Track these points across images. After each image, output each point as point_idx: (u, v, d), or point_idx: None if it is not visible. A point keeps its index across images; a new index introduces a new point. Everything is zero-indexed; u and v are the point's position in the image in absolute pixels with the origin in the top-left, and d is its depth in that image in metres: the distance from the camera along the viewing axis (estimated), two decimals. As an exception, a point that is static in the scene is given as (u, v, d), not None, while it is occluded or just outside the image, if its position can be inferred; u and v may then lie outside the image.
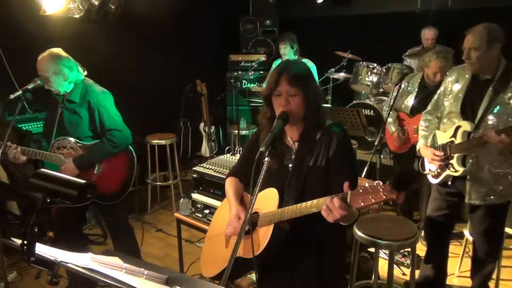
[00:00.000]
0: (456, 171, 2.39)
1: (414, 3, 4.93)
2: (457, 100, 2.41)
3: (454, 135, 2.38)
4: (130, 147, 2.82)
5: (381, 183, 1.34)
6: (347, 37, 5.45)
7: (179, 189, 4.71)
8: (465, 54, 2.29)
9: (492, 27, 2.25)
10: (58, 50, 2.62)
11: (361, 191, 1.35)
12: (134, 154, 2.84)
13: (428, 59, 3.24)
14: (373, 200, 1.32)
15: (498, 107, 2.24)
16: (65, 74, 2.57)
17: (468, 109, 2.36)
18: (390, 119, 3.53)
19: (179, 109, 5.41)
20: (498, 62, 2.29)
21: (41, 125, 3.67)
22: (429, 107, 2.70)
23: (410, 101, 3.42)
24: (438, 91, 2.62)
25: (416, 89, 3.40)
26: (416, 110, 3.33)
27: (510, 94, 2.22)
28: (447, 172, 2.44)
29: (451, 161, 2.40)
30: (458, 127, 2.36)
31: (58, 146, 2.65)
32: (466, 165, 2.36)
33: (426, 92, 3.25)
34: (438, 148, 2.49)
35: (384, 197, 1.31)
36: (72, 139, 2.65)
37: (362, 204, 1.34)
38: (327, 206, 1.41)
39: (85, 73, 2.72)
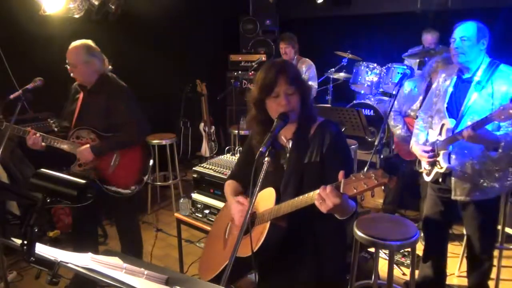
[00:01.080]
0: (441, 167, 2.43)
1: (414, 3, 4.93)
2: (443, 99, 2.46)
3: (440, 133, 2.43)
4: (146, 140, 2.88)
5: (371, 170, 1.35)
6: (347, 37, 5.45)
7: (179, 189, 4.71)
8: (455, 44, 2.34)
9: (480, 24, 2.34)
10: (91, 42, 2.70)
11: (353, 178, 1.36)
12: (148, 145, 2.91)
13: (436, 65, 3.25)
14: (365, 186, 1.33)
15: (479, 104, 2.28)
16: (95, 65, 2.63)
17: (453, 107, 2.41)
18: (392, 122, 3.53)
19: (179, 109, 5.42)
20: (481, 59, 2.34)
21: (41, 125, 3.66)
22: (422, 107, 2.76)
23: (416, 104, 3.41)
24: (430, 90, 2.67)
25: (423, 94, 3.39)
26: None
27: (491, 91, 2.26)
28: (436, 169, 2.49)
29: (437, 158, 2.44)
30: (443, 125, 2.41)
31: (77, 135, 2.67)
32: (450, 162, 2.39)
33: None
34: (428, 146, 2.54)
35: (376, 182, 1.31)
36: (90, 130, 2.66)
37: (355, 191, 1.35)
38: (320, 195, 1.42)
39: (110, 67, 2.78)
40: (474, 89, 2.31)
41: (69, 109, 2.76)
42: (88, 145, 2.62)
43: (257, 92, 1.70)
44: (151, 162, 2.89)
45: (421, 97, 3.39)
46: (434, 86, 2.61)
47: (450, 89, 2.45)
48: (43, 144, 2.59)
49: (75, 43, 2.64)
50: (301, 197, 1.56)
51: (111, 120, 2.67)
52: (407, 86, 3.50)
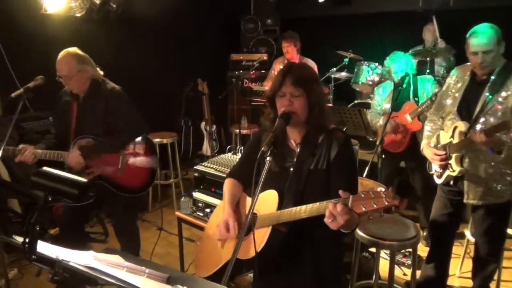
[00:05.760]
0: (453, 171, 2.41)
1: (415, 2, 4.92)
2: (455, 101, 2.43)
3: (453, 135, 2.41)
4: (149, 138, 2.85)
5: (383, 189, 1.34)
6: (349, 36, 5.44)
7: (180, 187, 4.71)
8: (480, 58, 2.24)
9: (495, 26, 2.24)
10: (78, 49, 2.63)
11: (362, 196, 1.34)
12: (154, 144, 2.90)
13: (388, 65, 3.55)
14: (375, 206, 1.31)
15: (492, 107, 2.25)
16: (88, 72, 2.61)
17: (464, 109, 2.38)
18: (373, 121, 3.63)
19: (180, 108, 5.42)
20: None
21: (42, 123, 3.67)
22: (432, 108, 2.72)
23: (388, 103, 3.56)
24: (440, 92, 2.63)
25: (391, 91, 3.57)
26: (397, 105, 3.49)
27: (505, 94, 2.23)
28: (447, 172, 2.46)
29: (449, 161, 2.42)
30: (455, 127, 2.39)
31: (79, 145, 2.63)
32: (463, 165, 2.37)
33: (398, 90, 3.47)
34: (440, 149, 2.51)
35: (386, 203, 1.30)
36: (91, 136, 2.64)
37: (364, 209, 1.33)
38: (331, 213, 1.40)
39: (102, 72, 2.74)
40: (489, 91, 2.27)
41: (63, 119, 2.72)
42: (75, 148, 2.59)
43: (269, 89, 1.75)
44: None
45: (391, 94, 3.55)
46: (444, 87, 2.56)
47: (462, 91, 2.40)
48: (35, 160, 2.55)
49: (64, 55, 2.57)
50: (303, 207, 1.55)
51: (110, 124, 2.65)
52: (377, 95, 3.71)
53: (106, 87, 2.69)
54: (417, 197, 3.73)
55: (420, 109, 3.31)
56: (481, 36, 2.23)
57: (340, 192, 1.39)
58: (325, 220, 1.42)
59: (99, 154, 2.65)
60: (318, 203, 1.50)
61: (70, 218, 2.81)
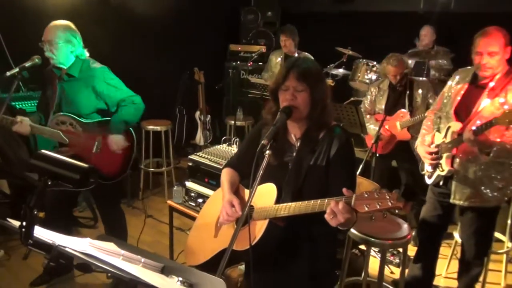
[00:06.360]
0: (443, 170, 2.43)
1: (417, 3, 4.93)
2: (453, 102, 2.44)
3: (446, 135, 2.42)
4: (130, 128, 2.79)
5: (386, 190, 1.34)
6: (348, 33, 5.43)
7: (171, 176, 4.69)
8: (484, 59, 2.24)
9: (504, 30, 2.24)
10: (71, 23, 2.62)
11: (366, 195, 1.35)
12: (134, 134, 2.81)
13: (384, 67, 3.52)
14: (378, 206, 1.32)
15: (489, 111, 2.26)
16: (74, 46, 2.57)
17: (462, 111, 2.39)
18: (368, 124, 3.63)
19: (175, 96, 5.37)
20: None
21: (35, 104, 3.61)
22: (431, 107, 2.74)
23: (383, 103, 3.59)
24: (441, 92, 2.64)
25: (387, 92, 3.58)
26: (391, 109, 3.50)
27: (502, 100, 2.23)
28: (437, 172, 2.48)
29: (440, 161, 2.44)
30: (449, 127, 2.41)
31: (56, 122, 2.60)
32: (453, 166, 2.39)
33: (396, 93, 3.49)
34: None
35: (390, 204, 1.30)
36: (71, 115, 2.60)
37: (367, 209, 1.33)
38: (332, 210, 1.40)
39: (88, 54, 2.70)
40: (487, 95, 2.28)
41: (46, 94, 2.69)
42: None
43: (272, 83, 1.73)
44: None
45: (386, 95, 3.58)
46: (445, 88, 2.57)
47: (461, 93, 2.41)
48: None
49: (56, 22, 2.57)
50: (302, 203, 1.55)
51: (100, 104, 2.62)
52: (371, 88, 3.74)
53: (91, 66, 2.64)
54: (420, 200, 3.75)
55: (412, 120, 3.35)
56: (489, 37, 2.23)
57: (344, 190, 1.40)
58: (326, 216, 1.43)
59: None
60: (319, 200, 1.50)
61: (55, 202, 2.78)
